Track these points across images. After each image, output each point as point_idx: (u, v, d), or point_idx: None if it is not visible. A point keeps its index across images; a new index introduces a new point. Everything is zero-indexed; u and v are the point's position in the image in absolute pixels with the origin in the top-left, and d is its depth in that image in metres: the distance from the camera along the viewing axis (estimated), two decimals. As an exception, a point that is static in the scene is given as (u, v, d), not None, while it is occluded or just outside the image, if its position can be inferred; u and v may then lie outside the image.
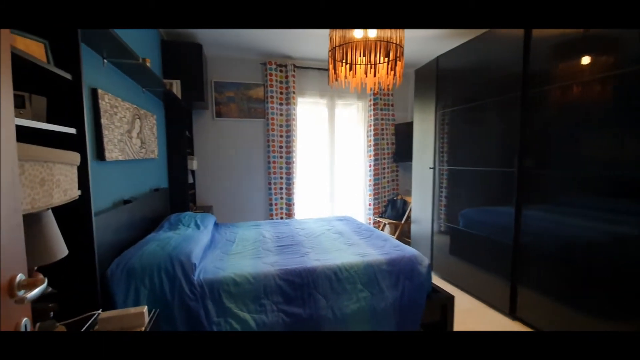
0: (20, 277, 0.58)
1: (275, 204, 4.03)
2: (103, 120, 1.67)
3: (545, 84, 1.97)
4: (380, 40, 1.91)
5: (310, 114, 4.26)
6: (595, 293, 1.72)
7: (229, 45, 3.53)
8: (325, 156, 4.33)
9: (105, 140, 1.68)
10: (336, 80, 2.07)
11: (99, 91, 1.65)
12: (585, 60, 1.76)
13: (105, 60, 1.78)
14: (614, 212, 1.66)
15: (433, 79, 3.08)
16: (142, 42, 2.55)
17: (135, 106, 2.20)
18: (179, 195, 3.20)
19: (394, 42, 1.94)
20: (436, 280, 2.89)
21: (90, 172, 1.58)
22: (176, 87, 3.00)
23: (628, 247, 1.58)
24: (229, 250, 2.18)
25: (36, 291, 0.58)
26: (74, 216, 1.15)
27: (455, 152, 2.87)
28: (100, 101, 1.65)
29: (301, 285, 1.74)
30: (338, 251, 2.12)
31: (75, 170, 0.97)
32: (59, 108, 1.09)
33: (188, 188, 3.30)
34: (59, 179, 0.83)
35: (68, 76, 1.08)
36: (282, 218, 4.08)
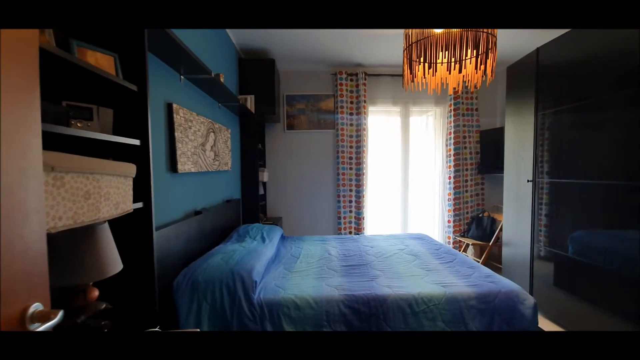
0: (35, 307, 0.50)
1: (344, 218, 3.86)
2: (177, 134, 1.72)
3: None
4: (467, 30, 1.61)
5: (382, 123, 4.03)
6: None
7: (300, 58, 3.54)
8: (398, 167, 4.02)
9: (178, 152, 1.73)
10: (412, 81, 1.83)
11: (174, 106, 1.71)
12: None
13: (182, 77, 1.87)
14: None
15: (532, 75, 2.58)
16: (220, 60, 2.67)
17: (210, 120, 2.28)
18: (250, 206, 3.27)
19: (485, 31, 1.63)
20: (541, 321, 2.33)
21: (162, 183, 1.64)
22: (250, 101, 3.10)
23: None
24: (292, 267, 2.06)
25: (49, 324, 0.50)
26: (136, 229, 1.14)
27: (561, 162, 2.32)
28: (175, 115, 1.71)
29: (369, 316, 1.51)
30: (413, 277, 1.83)
31: (129, 183, 0.95)
32: (126, 120, 1.10)
33: (259, 199, 3.35)
34: (109, 191, 0.79)
35: (134, 87, 1.09)
36: (350, 233, 3.88)
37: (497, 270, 3.22)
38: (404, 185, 4.00)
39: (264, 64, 3.31)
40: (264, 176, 3.56)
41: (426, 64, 1.77)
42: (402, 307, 1.53)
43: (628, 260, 1.79)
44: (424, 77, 1.81)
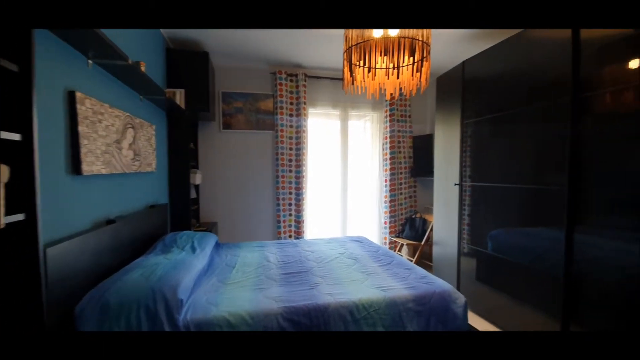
0: None
1: (284, 221, 3.74)
2: (81, 128, 1.44)
3: (599, 88, 1.65)
4: (404, 38, 1.64)
5: (321, 126, 4.02)
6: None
7: (237, 54, 3.34)
8: (337, 170, 4.05)
9: (83, 151, 1.45)
10: (352, 84, 1.81)
11: (78, 94, 1.43)
12: (657, 56, 1.45)
13: (90, 61, 1.57)
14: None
15: (458, 86, 2.79)
16: (141, 46, 2.36)
17: (128, 114, 1.98)
18: (179, 212, 2.96)
19: (420, 39, 1.67)
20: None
21: (59, 188, 1.35)
22: (180, 96, 2.81)
23: None
24: (227, 279, 1.89)
25: None
26: (16, 247, 0.89)
27: (482, 167, 2.55)
28: (79, 106, 1.42)
29: (309, 328, 1.43)
30: (354, 282, 1.80)
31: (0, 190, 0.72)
32: (3, 109, 0.85)
33: (190, 204, 3.06)
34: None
35: (14, 67, 0.85)
36: (290, 236, 3.78)
37: (429, 267, 3.42)
38: (343, 187, 4.05)
39: (197, 56, 3.04)
40: (197, 178, 3.27)
41: (366, 68, 1.76)
42: (344, 315, 1.48)
43: (538, 255, 2.01)
44: (364, 81, 1.81)
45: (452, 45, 3.10)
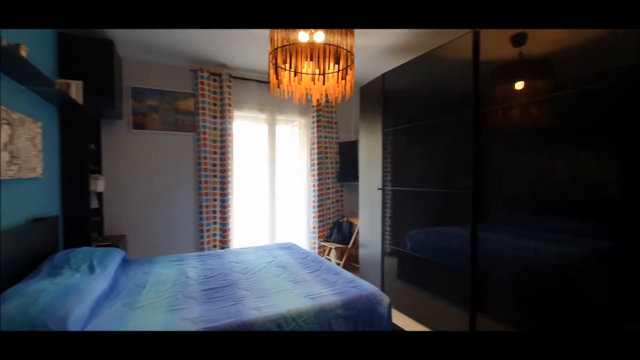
0: None
1: (207, 231, 3.48)
2: None
3: (495, 103, 1.91)
4: (330, 45, 1.66)
5: (248, 130, 3.87)
6: (546, 317, 1.62)
7: (151, 47, 3.01)
8: (265, 176, 3.94)
9: None
10: (278, 87, 1.76)
11: None
12: (531, 82, 1.73)
13: (-64, 36, 1.21)
14: (564, 233, 1.59)
15: (379, 96, 2.97)
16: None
17: (2, 108, 1.59)
18: (75, 225, 2.50)
19: (345, 48, 1.71)
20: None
21: None
22: (76, 89, 2.39)
23: (577, 267, 1.51)
24: (135, 301, 1.64)
25: None
26: None
27: (401, 173, 2.75)
28: None
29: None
30: (282, 292, 1.74)
31: None
32: None
33: (90, 215, 2.62)
34: None
35: None
36: (215, 247, 3.53)
37: (356, 269, 3.54)
38: (272, 193, 3.95)
39: (98, 45, 2.64)
40: (99, 185, 2.82)
41: (292, 72, 1.73)
42: (271, 330, 1.40)
43: (449, 252, 2.23)
44: (290, 85, 1.77)
45: (374, 57, 3.27)
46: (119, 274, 2.00)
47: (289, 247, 2.80)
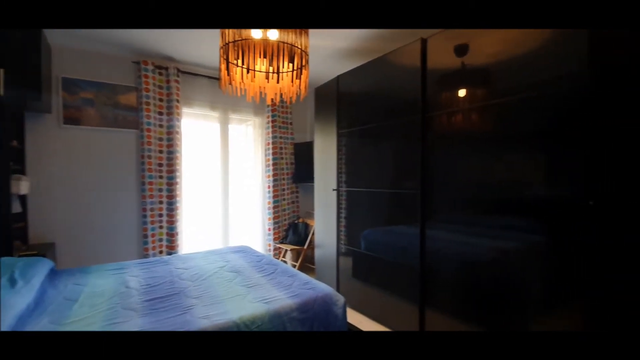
0: None
1: (152, 235, 3.23)
2: None
3: (440, 109, 2.03)
4: (284, 43, 1.63)
5: (199, 128, 3.68)
6: (487, 307, 1.76)
7: (85, 34, 2.72)
8: (218, 176, 3.77)
9: None
10: (230, 84, 1.68)
11: None
12: (472, 90, 1.87)
13: None
14: (501, 230, 1.74)
15: (334, 98, 3.00)
16: None
17: None
18: (-10, 233, 2.17)
19: (299, 47, 1.69)
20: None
21: None
22: (-9, 77, 2.07)
23: (513, 260, 1.67)
24: (64, 317, 1.45)
25: None
26: None
27: (355, 174, 2.81)
28: None
29: (180, 362, 1.22)
30: (235, 298, 1.66)
31: None
32: None
33: (11, 221, 2.28)
34: None
35: None
36: (161, 253, 3.29)
37: (312, 270, 3.54)
38: (225, 195, 3.80)
39: (23, 29, 2.32)
40: (22, 186, 2.47)
41: (244, 68, 1.67)
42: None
43: (400, 250, 2.31)
44: (243, 82, 1.71)
45: (329, 59, 3.30)
46: (45, 286, 1.76)
47: (243, 251, 2.71)
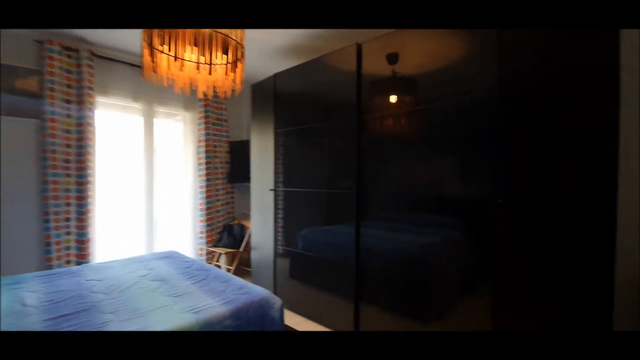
0: None
1: (57, 243, 2.78)
2: None
3: (374, 112, 2.12)
4: (217, 32, 1.53)
5: (118, 121, 3.28)
6: (413, 299, 1.90)
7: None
8: (140, 175, 3.40)
9: None
10: (154, 72, 1.52)
11: None
12: (401, 96, 2.00)
13: None
14: (426, 226, 1.90)
15: (271, 96, 2.93)
16: None
17: None
18: None
19: (234, 39, 1.60)
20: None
21: None
22: None
23: (435, 253, 1.83)
24: None
25: None
26: None
27: (291, 174, 2.80)
28: None
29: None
30: (159, 310, 1.50)
31: None
32: None
33: None
34: None
35: None
36: (69, 262, 2.85)
37: (248, 273, 3.41)
38: (149, 195, 3.45)
39: None
40: None
41: (172, 56, 1.52)
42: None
43: (337, 249, 2.36)
44: (169, 71, 1.55)
45: (267, 55, 3.22)
46: None
47: (170, 256, 2.48)
